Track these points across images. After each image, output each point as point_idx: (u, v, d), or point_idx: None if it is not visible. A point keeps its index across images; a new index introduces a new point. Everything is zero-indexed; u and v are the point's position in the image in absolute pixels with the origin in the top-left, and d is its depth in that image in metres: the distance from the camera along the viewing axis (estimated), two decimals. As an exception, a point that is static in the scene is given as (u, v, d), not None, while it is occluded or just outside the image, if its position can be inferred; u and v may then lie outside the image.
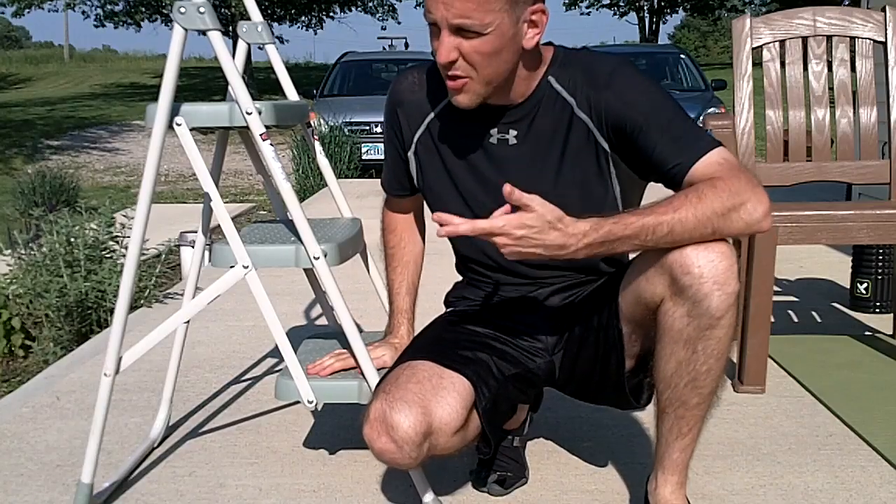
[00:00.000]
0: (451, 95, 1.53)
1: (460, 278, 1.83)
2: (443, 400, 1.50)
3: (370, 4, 26.02)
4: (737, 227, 1.40)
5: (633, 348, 1.60)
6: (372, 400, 1.52)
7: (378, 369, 1.72)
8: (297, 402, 1.76)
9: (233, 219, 1.76)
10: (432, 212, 1.72)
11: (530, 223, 1.35)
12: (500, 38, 1.44)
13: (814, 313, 3.21)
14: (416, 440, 1.46)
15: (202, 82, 22.82)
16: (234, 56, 1.78)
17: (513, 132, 1.60)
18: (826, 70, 2.66)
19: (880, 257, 3.09)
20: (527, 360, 1.69)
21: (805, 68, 2.67)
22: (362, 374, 1.72)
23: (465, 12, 1.40)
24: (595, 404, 1.80)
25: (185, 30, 1.64)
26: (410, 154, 1.71)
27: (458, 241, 1.72)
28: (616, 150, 1.56)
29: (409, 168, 1.73)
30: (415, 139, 1.69)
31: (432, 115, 1.66)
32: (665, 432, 1.56)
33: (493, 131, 1.61)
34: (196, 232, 2.06)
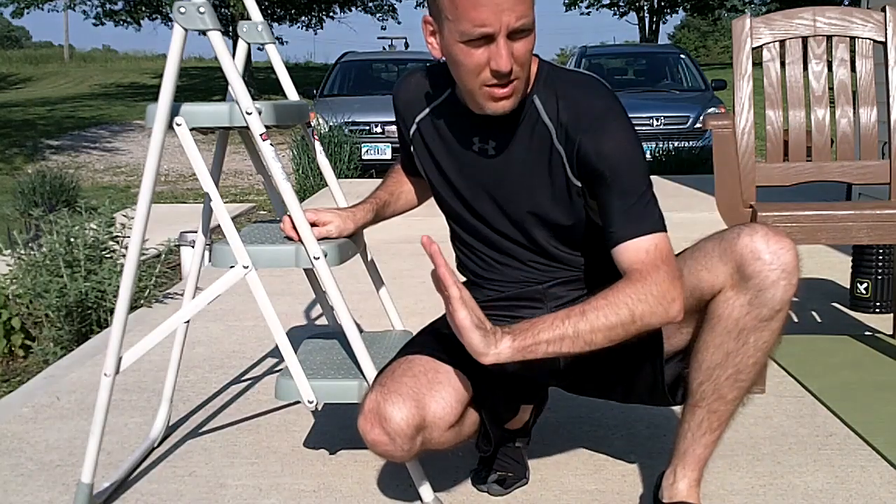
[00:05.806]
0: (493, 104, 1.49)
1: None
2: (437, 394, 1.51)
3: (370, 4, 26.00)
4: (653, 324, 1.46)
5: (670, 342, 1.59)
6: (368, 392, 1.54)
7: (319, 240, 1.71)
8: (297, 402, 1.76)
9: (233, 219, 1.75)
10: (435, 197, 1.77)
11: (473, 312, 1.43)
12: (534, 31, 1.46)
13: (814, 313, 3.21)
14: (409, 433, 1.48)
15: (202, 82, 22.81)
16: (234, 56, 1.78)
17: (492, 143, 1.60)
18: (826, 70, 2.66)
19: (880, 257, 3.09)
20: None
21: (805, 68, 2.67)
22: (359, 368, 1.72)
23: (524, 12, 1.41)
24: (623, 403, 1.78)
25: (185, 30, 1.64)
26: (411, 148, 1.75)
27: (457, 227, 1.74)
28: (584, 188, 1.56)
29: (413, 159, 1.77)
30: (411, 134, 1.72)
31: (422, 114, 1.69)
32: (693, 427, 1.57)
33: (476, 139, 1.61)
34: (196, 232, 2.06)
